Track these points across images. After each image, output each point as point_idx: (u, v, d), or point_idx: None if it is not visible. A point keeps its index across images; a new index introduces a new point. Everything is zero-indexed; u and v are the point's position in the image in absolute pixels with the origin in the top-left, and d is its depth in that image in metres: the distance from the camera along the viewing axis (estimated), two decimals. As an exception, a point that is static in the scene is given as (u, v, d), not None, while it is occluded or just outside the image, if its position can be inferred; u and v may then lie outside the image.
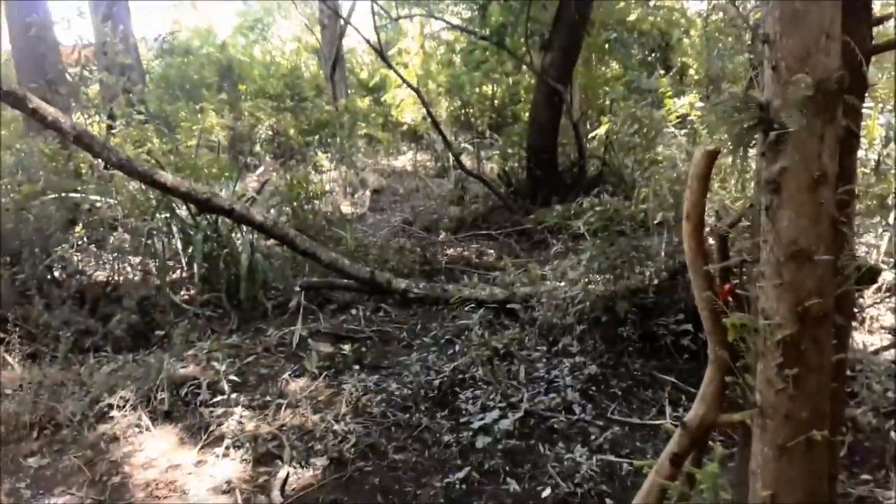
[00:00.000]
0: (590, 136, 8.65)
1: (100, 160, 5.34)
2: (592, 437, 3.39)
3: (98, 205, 6.13)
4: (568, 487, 2.98)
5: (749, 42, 1.73)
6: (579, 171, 8.12)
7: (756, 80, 1.74)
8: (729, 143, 1.74)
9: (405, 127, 13.58)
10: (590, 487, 2.96)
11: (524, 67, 9.33)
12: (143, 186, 5.59)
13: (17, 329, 4.68)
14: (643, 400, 3.79)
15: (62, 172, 5.98)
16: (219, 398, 3.82)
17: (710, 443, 2.09)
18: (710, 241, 2.07)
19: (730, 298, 1.88)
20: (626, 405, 3.74)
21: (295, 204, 7.01)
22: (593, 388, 3.88)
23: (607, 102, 8.93)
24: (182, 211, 5.80)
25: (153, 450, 3.43)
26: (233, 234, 5.73)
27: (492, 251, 7.07)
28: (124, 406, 3.73)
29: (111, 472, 3.26)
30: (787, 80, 1.52)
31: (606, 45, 9.28)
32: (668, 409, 3.63)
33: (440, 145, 10.31)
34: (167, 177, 5.05)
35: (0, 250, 5.11)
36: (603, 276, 4.43)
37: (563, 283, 4.68)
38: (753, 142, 1.68)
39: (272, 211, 6.74)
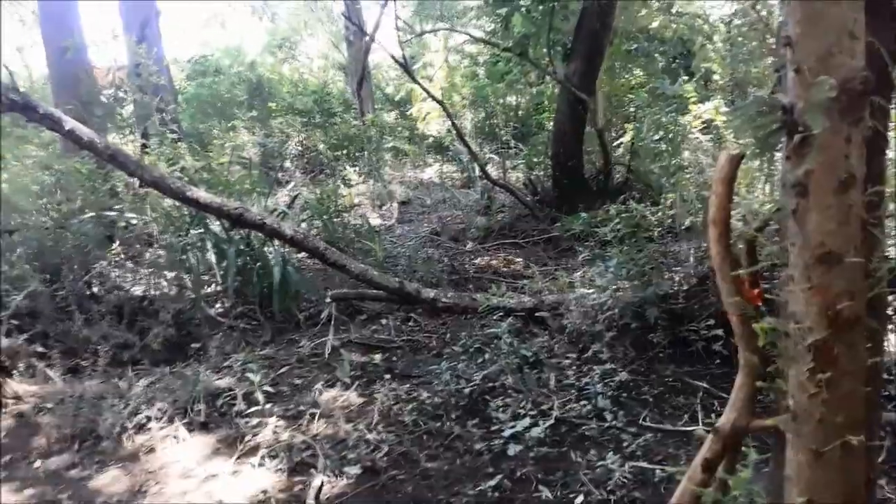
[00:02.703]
0: (615, 143, 8.62)
1: (135, 178, 5.48)
2: (625, 444, 3.37)
3: (134, 222, 6.29)
4: (601, 494, 2.97)
5: (773, 45, 1.72)
6: (605, 179, 8.09)
7: (779, 84, 1.73)
8: (754, 147, 1.73)
9: (431, 139, 13.66)
10: (623, 494, 2.95)
11: (548, 77, 9.34)
12: (177, 203, 5.74)
13: (58, 344, 4.83)
14: (675, 406, 3.77)
15: (99, 191, 6.15)
16: (254, 409, 3.89)
17: (743, 448, 2.07)
18: (739, 245, 2.06)
19: (759, 303, 1.86)
20: (658, 412, 3.71)
21: (325, 217, 7.11)
22: (624, 394, 3.86)
23: (632, 110, 8.89)
24: (215, 226, 5.92)
25: (190, 460, 3.51)
26: (265, 248, 5.84)
27: (519, 259, 7.07)
28: (162, 417, 3.82)
29: (149, 483, 3.34)
30: (810, 82, 1.51)
31: (629, 53, 9.25)
32: (700, 415, 3.60)
33: (466, 156, 10.36)
34: (200, 193, 5.17)
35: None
36: (631, 282, 4.41)
37: (591, 290, 4.67)
38: (779, 145, 1.67)
39: (303, 224, 6.84)
